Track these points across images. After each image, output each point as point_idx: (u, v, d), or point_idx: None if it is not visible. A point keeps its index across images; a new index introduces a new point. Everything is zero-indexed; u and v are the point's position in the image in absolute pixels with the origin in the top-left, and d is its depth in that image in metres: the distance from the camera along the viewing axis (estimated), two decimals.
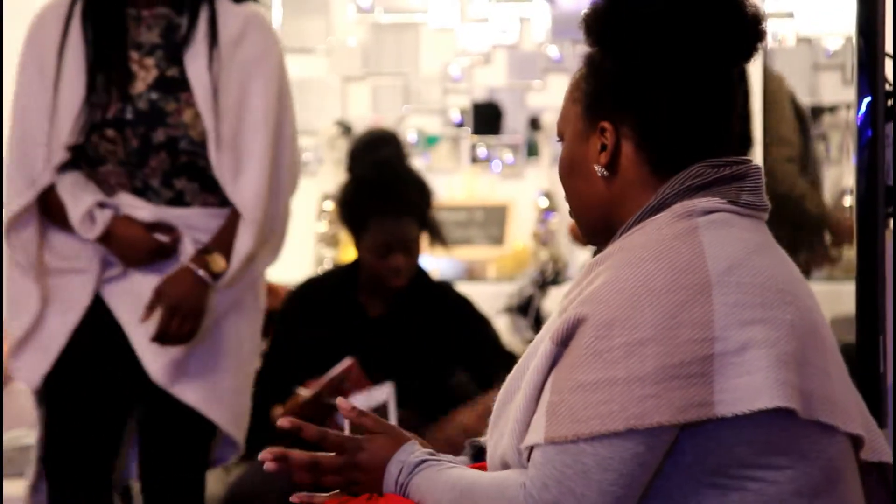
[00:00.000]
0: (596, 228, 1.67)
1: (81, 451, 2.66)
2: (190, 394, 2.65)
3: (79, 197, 2.62)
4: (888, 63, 2.16)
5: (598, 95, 1.63)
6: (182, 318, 2.61)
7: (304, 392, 3.38)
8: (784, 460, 1.51)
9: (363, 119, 5.98)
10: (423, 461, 1.61)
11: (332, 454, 1.66)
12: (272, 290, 4.07)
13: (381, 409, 1.74)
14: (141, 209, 2.62)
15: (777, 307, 1.52)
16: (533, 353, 1.59)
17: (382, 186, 3.50)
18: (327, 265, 5.55)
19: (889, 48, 2.17)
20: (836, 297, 4.40)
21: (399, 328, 3.44)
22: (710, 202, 1.58)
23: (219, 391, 2.68)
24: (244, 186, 2.66)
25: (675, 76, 1.60)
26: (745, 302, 1.50)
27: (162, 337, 2.62)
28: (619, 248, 1.58)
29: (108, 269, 2.65)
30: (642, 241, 1.55)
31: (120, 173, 2.64)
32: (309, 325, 3.46)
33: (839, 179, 5.35)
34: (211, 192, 2.68)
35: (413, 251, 3.43)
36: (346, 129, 5.90)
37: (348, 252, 5.86)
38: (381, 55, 5.97)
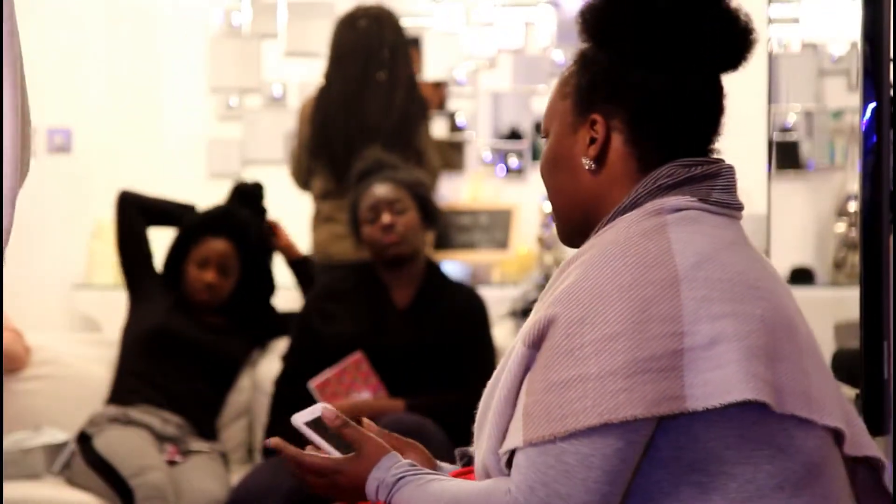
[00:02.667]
0: (575, 226, 1.68)
1: None
2: None
3: None
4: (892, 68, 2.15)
5: (590, 88, 1.65)
6: None
7: (314, 385, 3.41)
8: (761, 455, 1.51)
9: None
10: (401, 478, 1.61)
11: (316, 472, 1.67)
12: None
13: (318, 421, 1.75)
14: None
15: (747, 302, 1.52)
16: (508, 359, 1.60)
17: (369, 169, 3.64)
18: None
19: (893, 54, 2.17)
20: (840, 302, 4.40)
21: (424, 318, 3.51)
22: (679, 200, 1.60)
23: None
24: None
25: (669, 74, 1.62)
26: (714, 297, 1.51)
27: None
28: (589, 247, 1.59)
29: None
30: (612, 239, 1.57)
31: None
32: (338, 319, 3.51)
33: (844, 185, 5.35)
34: None
35: (403, 212, 3.52)
36: None
37: None
38: None
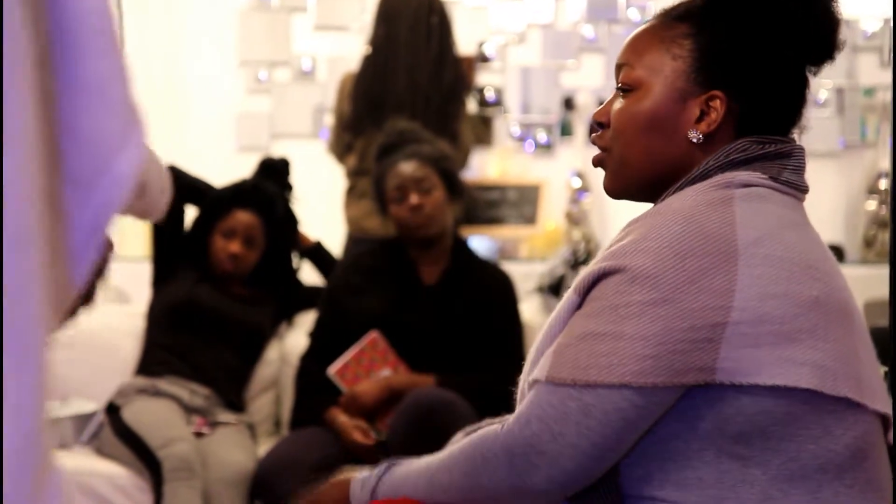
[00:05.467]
0: (640, 184, 1.67)
1: None
2: None
3: None
4: None
5: (716, 64, 1.63)
6: None
7: (334, 371, 3.42)
8: (807, 435, 1.51)
9: None
10: (388, 467, 1.68)
11: None
12: None
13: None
14: None
15: (803, 282, 1.52)
16: (560, 308, 1.62)
17: (393, 143, 3.59)
18: None
19: None
20: (870, 280, 4.37)
21: (452, 295, 3.50)
22: (750, 176, 1.59)
23: None
24: None
25: (789, 63, 1.64)
26: (770, 275, 1.50)
27: None
28: (654, 213, 1.59)
29: None
30: (677, 206, 1.56)
31: None
32: (365, 294, 3.51)
33: (876, 162, 5.31)
34: None
35: (430, 191, 3.48)
36: None
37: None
38: None
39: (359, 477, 1.69)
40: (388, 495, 1.64)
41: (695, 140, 1.62)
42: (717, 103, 1.62)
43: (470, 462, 1.56)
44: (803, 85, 1.66)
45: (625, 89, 1.67)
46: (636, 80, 1.66)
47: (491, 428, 1.57)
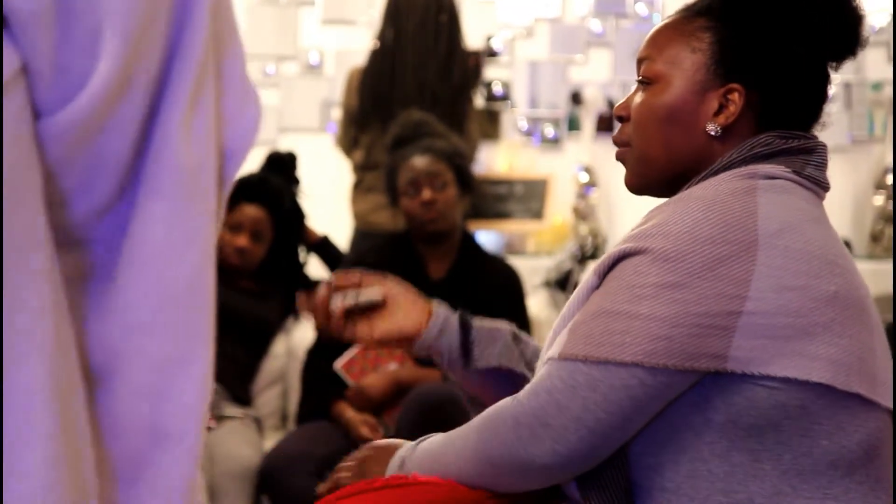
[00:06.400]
0: (661, 178, 1.67)
1: None
2: None
3: None
4: None
5: (735, 56, 1.63)
6: None
7: (340, 366, 3.42)
8: (820, 431, 1.51)
9: None
10: (421, 440, 1.69)
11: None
12: None
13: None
14: None
15: (822, 276, 1.52)
16: (579, 290, 1.63)
17: (407, 135, 3.60)
18: None
19: None
20: (877, 275, 4.37)
21: (459, 290, 3.49)
22: (774, 169, 1.60)
23: None
24: None
25: (807, 56, 1.63)
26: (789, 267, 1.51)
27: None
28: (676, 200, 1.59)
29: None
30: (700, 193, 1.57)
31: None
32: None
33: (883, 157, 5.30)
34: None
35: (444, 187, 3.48)
36: None
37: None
38: None
39: (399, 453, 1.70)
40: (414, 466, 1.65)
41: (713, 133, 1.63)
42: (735, 96, 1.62)
43: (482, 429, 1.58)
44: (824, 80, 1.66)
45: (645, 82, 1.67)
46: (656, 74, 1.66)
47: (506, 399, 1.59)
